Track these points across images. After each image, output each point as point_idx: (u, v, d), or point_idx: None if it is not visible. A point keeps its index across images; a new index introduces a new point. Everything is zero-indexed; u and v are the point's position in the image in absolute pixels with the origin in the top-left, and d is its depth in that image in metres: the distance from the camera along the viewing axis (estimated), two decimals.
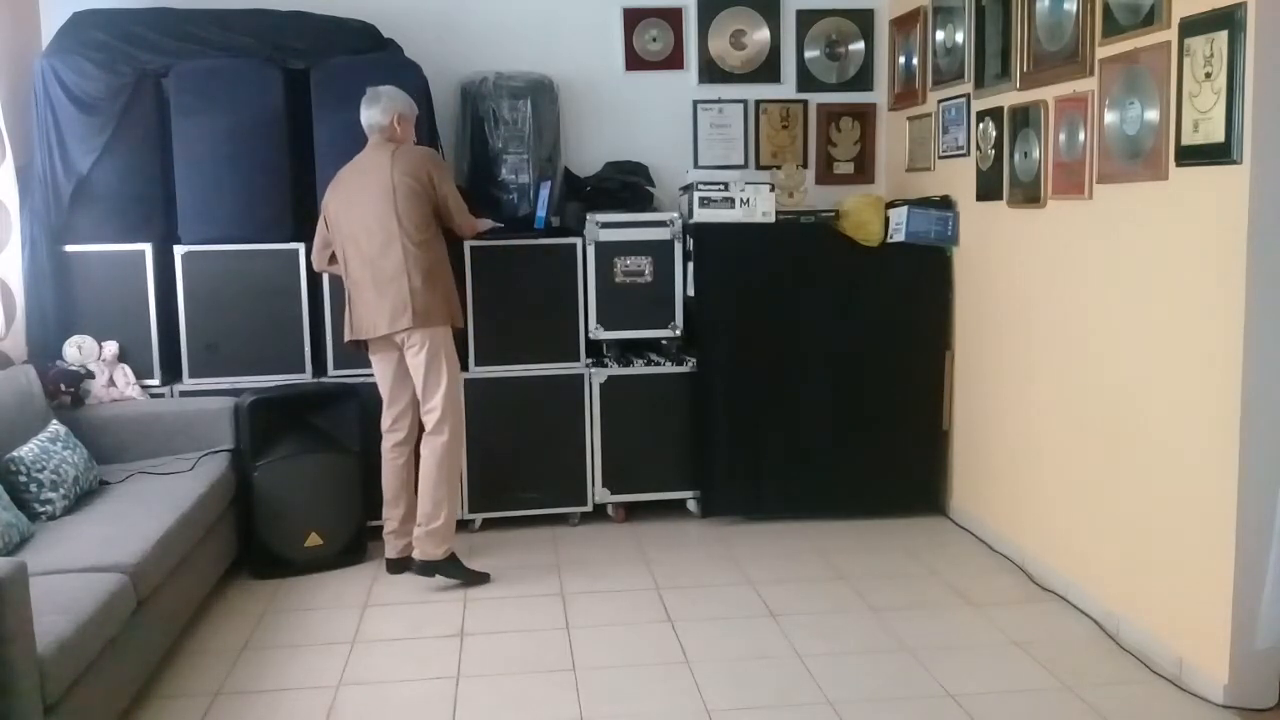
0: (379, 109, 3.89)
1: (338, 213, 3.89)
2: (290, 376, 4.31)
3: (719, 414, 4.54)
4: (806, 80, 5.19)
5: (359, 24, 4.50)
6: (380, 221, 3.78)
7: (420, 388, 3.89)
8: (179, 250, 4.24)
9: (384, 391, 4.01)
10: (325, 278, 4.31)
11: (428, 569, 3.88)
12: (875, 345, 4.56)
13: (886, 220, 4.60)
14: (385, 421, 4.03)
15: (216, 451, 4.00)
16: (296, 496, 4.03)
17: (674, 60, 5.08)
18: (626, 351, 4.68)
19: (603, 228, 4.53)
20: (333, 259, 4.01)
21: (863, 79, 5.21)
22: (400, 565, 4.02)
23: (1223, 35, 2.81)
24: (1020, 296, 3.99)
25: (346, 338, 3.98)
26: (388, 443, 4.03)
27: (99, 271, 4.21)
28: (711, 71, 5.12)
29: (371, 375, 4.30)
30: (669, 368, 4.60)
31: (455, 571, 3.91)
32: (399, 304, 3.77)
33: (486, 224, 4.11)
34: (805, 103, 5.19)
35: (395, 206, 3.77)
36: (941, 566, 4.07)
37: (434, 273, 3.84)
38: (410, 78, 4.36)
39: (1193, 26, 2.93)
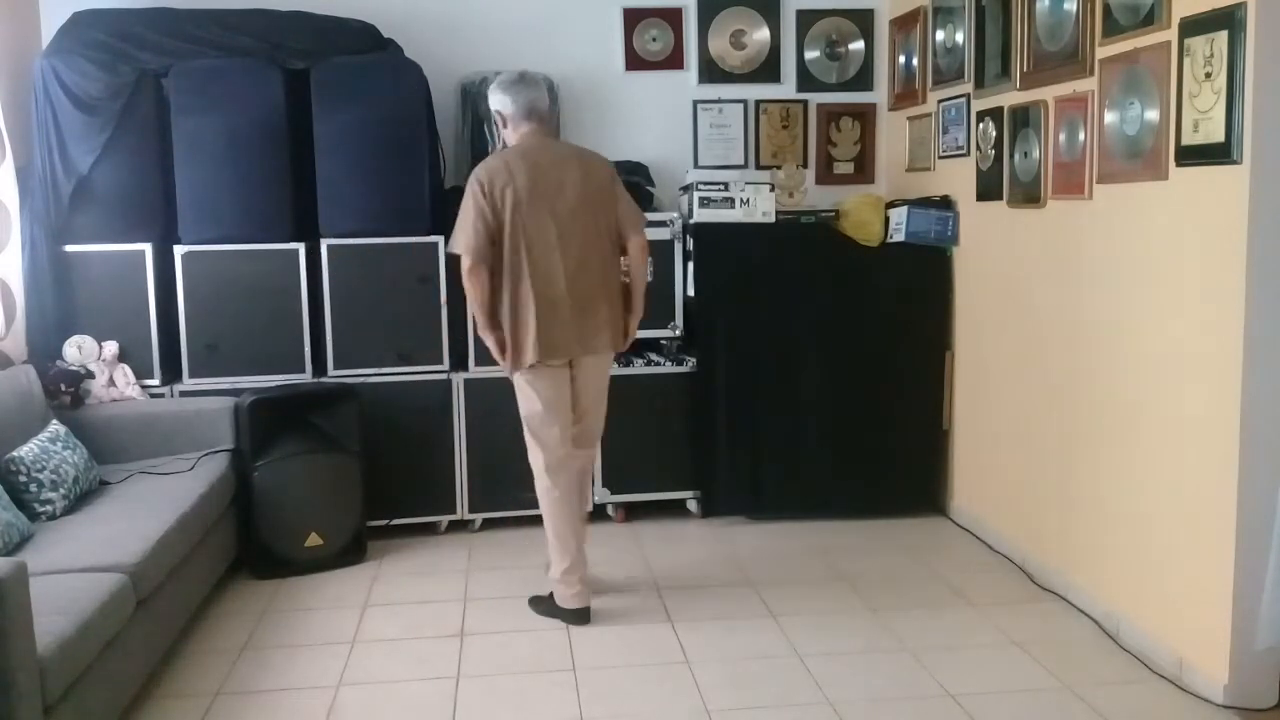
0: (543, 93, 3.56)
1: (523, 212, 3.40)
2: (290, 376, 4.31)
3: (719, 414, 4.54)
4: (806, 80, 5.19)
5: (359, 24, 4.49)
6: (578, 230, 3.45)
7: (591, 407, 3.65)
8: (179, 250, 4.24)
9: (559, 415, 3.54)
10: (325, 276, 4.30)
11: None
12: (875, 345, 4.56)
13: (886, 220, 4.60)
14: (556, 452, 3.55)
15: (216, 451, 4.00)
16: (296, 496, 4.03)
17: (674, 60, 5.08)
18: (626, 351, 4.67)
19: None
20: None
21: (863, 79, 5.21)
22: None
23: (1223, 35, 2.81)
24: (1020, 296, 3.99)
25: (529, 361, 3.43)
26: (562, 477, 3.57)
27: (99, 271, 4.21)
28: (711, 71, 5.11)
29: (371, 376, 4.33)
30: (669, 368, 4.60)
31: None
32: (597, 325, 3.50)
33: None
34: (805, 103, 5.19)
35: (594, 216, 3.48)
36: (941, 566, 4.07)
37: (618, 292, 3.62)
38: (410, 78, 4.37)
39: (1193, 26, 2.93)
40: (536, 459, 3.59)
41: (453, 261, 3.73)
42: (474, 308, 3.48)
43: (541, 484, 3.60)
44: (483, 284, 3.43)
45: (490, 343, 3.52)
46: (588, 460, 3.78)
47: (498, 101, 3.56)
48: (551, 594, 3.64)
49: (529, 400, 3.55)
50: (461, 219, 3.45)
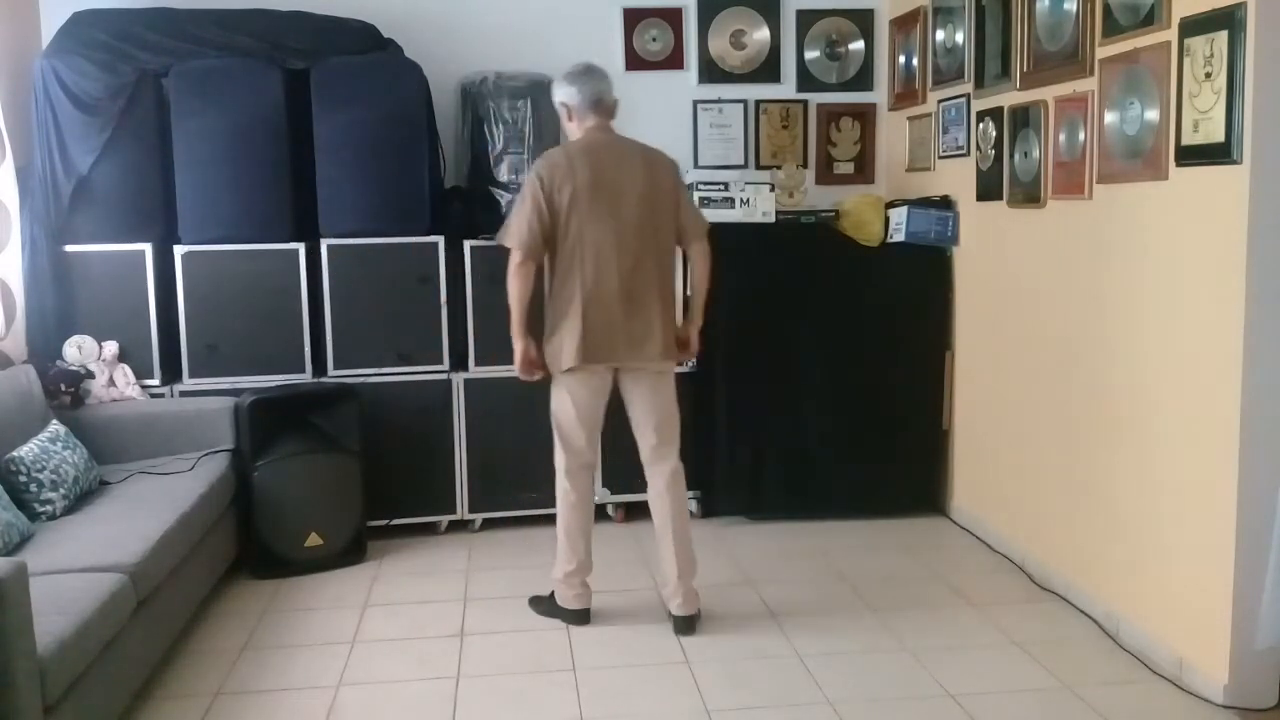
0: (610, 86, 3.41)
1: (581, 211, 3.29)
2: (290, 376, 4.31)
3: (719, 414, 4.54)
4: (806, 80, 5.19)
5: (359, 24, 4.50)
6: (636, 232, 3.31)
7: (658, 427, 3.47)
8: (179, 250, 4.24)
9: (588, 425, 3.46)
10: (325, 276, 4.31)
11: (693, 624, 3.50)
12: (875, 345, 4.56)
13: (886, 220, 4.61)
14: (581, 456, 3.49)
15: (216, 451, 4.00)
16: (296, 496, 4.03)
17: (674, 60, 5.08)
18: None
19: None
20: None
21: (863, 79, 5.21)
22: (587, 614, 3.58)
23: (1223, 35, 2.81)
24: (1020, 296, 3.99)
25: (568, 365, 3.34)
26: (582, 481, 3.52)
27: (99, 271, 4.21)
28: (711, 71, 5.11)
29: (371, 376, 4.33)
30: None
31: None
32: (648, 332, 3.35)
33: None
34: (805, 103, 5.19)
35: (655, 218, 3.35)
36: (941, 566, 4.07)
37: (673, 299, 3.49)
38: (410, 78, 4.37)
39: (1193, 26, 2.93)
40: (559, 459, 3.53)
41: (501, 253, 3.59)
42: (512, 306, 3.35)
43: (560, 485, 3.54)
44: (527, 282, 3.33)
45: (517, 349, 3.42)
46: (673, 472, 3.52)
47: (563, 93, 3.42)
48: (552, 593, 3.63)
49: (562, 402, 3.47)
50: (517, 211, 3.36)
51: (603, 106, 3.40)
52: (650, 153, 3.46)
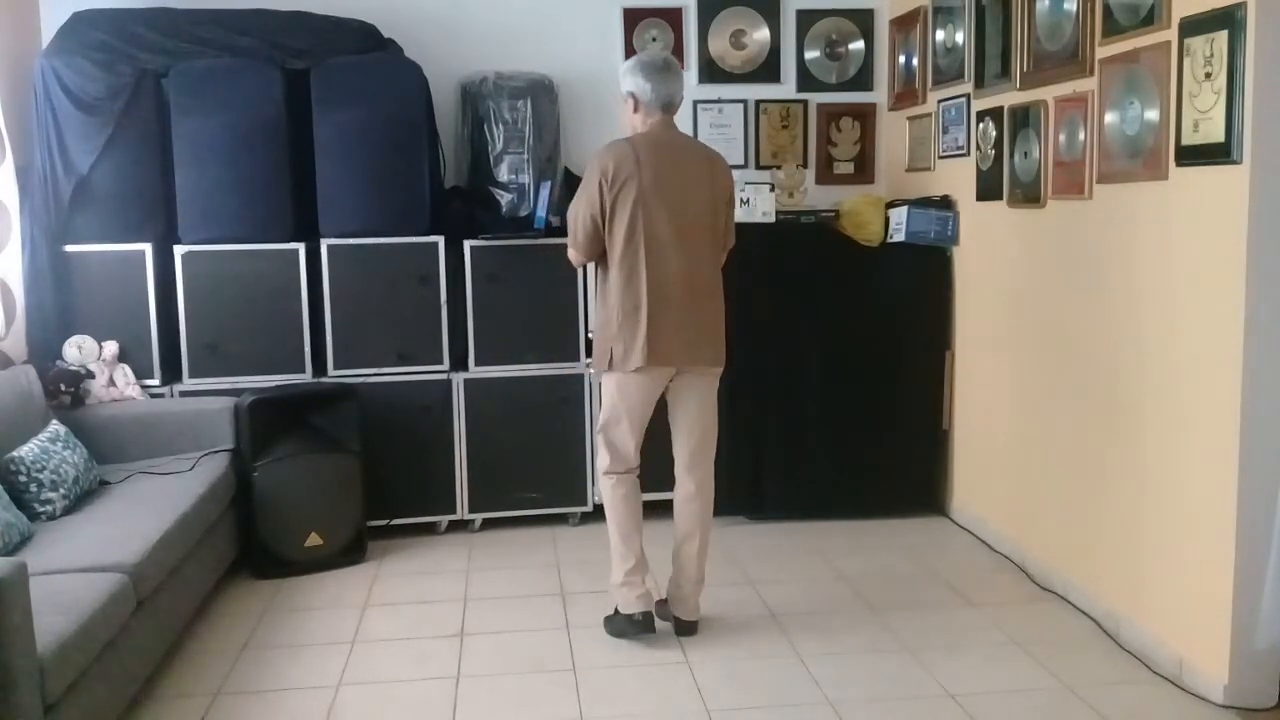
0: (682, 85, 3.35)
1: (647, 208, 3.21)
2: (290, 376, 4.31)
3: (719, 414, 4.53)
4: (806, 80, 5.19)
5: (359, 24, 4.50)
6: (697, 233, 3.29)
7: (699, 433, 3.43)
8: (179, 250, 4.24)
9: (639, 424, 3.36)
10: (325, 276, 4.31)
11: (694, 628, 3.49)
12: (875, 345, 4.57)
13: (886, 220, 4.61)
14: (627, 461, 3.40)
15: (216, 451, 4.00)
16: (296, 496, 4.03)
17: None
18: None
19: None
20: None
21: (863, 79, 5.21)
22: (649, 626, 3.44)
23: (1223, 35, 2.81)
24: (1020, 296, 4.00)
25: (636, 365, 3.25)
26: (629, 483, 3.43)
27: (99, 271, 4.21)
28: (711, 71, 5.11)
29: (371, 376, 4.33)
30: None
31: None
32: (704, 335, 3.34)
33: None
34: (805, 103, 5.19)
35: (714, 220, 3.34)
36: (941, 566, 4.07)
37: (723, 301, 3.45)
38: (410, 78, 4.37)
39: (1193, 26, 2.93)
40: (602, 463, 3.44)
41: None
42: None
43: (604, 485, 3.45)
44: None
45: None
46: (704, 488, 3.50)
47: (635, 85, 3.29)
48: (616, 609, 3.48)
49: (613, 404, 3.36)
50: (575, 209, 3.31)
51: (671, 107, 3.32)
52: (711, 153, 3.43)
